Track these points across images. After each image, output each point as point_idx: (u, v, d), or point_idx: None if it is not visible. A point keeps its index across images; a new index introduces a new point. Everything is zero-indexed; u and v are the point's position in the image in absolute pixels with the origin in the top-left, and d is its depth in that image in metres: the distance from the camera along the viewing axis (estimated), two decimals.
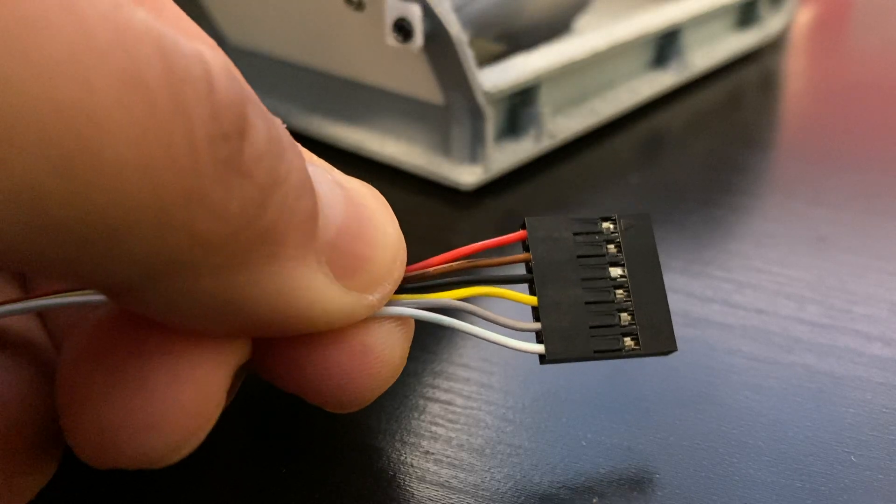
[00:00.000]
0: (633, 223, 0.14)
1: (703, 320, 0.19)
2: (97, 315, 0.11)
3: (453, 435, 0.15)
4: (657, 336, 0.14)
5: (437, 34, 0.22)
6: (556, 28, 0.31)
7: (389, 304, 0.12)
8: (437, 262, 0.13)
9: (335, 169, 0.13)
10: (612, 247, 0.14)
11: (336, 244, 0.11)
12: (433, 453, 0.15)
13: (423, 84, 0.24)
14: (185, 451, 0.11)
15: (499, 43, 0.30)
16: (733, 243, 0.22)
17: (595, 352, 0.13)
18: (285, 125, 0.10)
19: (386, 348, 0.12)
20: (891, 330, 0.19)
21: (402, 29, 0.22)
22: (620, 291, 0.14)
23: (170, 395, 0.10)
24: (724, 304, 0.19)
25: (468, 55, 0.22)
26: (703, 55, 0.34)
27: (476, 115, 0.24)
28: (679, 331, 0.18)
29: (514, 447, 0.15)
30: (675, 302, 0.19)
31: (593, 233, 0.14)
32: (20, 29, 0.07)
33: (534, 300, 0.14)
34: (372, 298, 0.12)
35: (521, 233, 0.14)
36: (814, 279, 0.21)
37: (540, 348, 0.13)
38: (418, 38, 0.22)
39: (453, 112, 0.24)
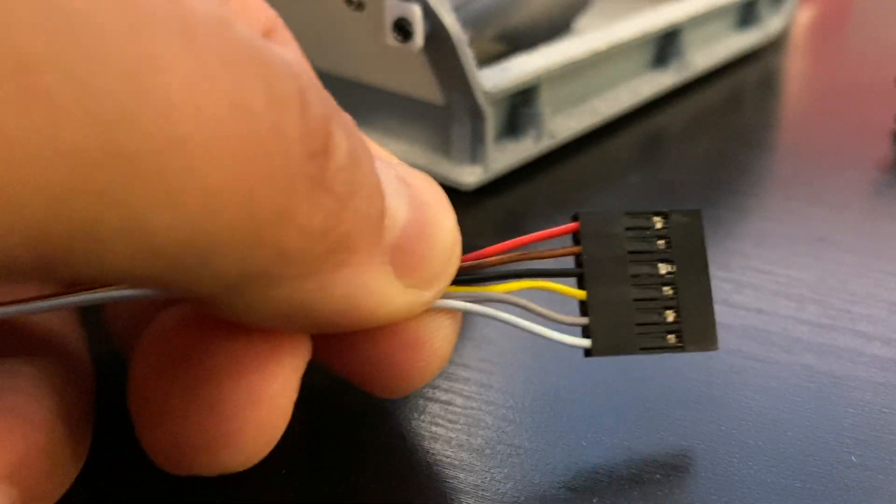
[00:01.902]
0: (685, 220, 0.14)
1: None
2: (163, 323, 0.12)
3: (453, 435, 0.15)
4: (701, 334, 0.14)
5: (437, 34, 0.22)
6: (556, 28, 0.31)
7: (442, 297, 0.13)
8: (488, 254, 0.13)
9: (395, 159, 0.13)
10: (661, 243, 0.14)
11: (399, 244, 0.11)
12: (433, 453, 0.15)
13: (423, 84, 0.24)
14: (259, 459, 0.11)
15: (499, 43, 0.30)
16: (733, 243, 0.22)
17: (640, 349, 0.14)
18: (354, 121, 0.10)
19: (437, 341, 0.13)
20: (890, 330, 0.19)
21: (402, 29, 0.22)
22: (667, 288, 0.14)
23: (244, 414, 0.11)
24: (723, 304, 0.19)
25: (468, 55, 0.22)
26: (703, 55, 0.34)
27: (476, 115, 0.24)
28: None
29: (513, 447, 0.15)
30: None
31: (644, 228, 0.14)
32: (144, 67, 0.07)
33: (582, 294, 0.14)
34: (429, 294, 0.12)
35: (572, 225, 0.14)
36: (814, 279, 0.21)
37: (586, 342, 0.13)
38: (418, 38, 0.22)
39: (453, 112, 0.24)
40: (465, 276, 0.13)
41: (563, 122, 0.28)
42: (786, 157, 0.29)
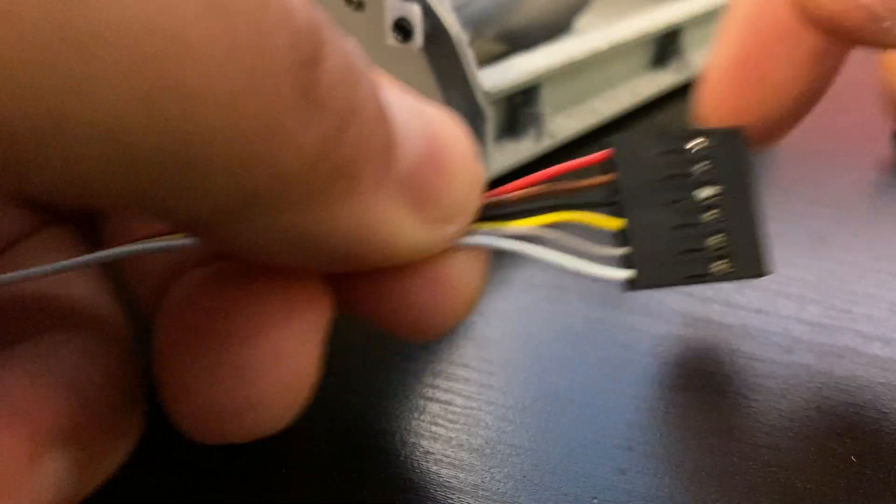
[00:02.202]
0: (727, 138, 0.13)
1: (703, 320, 0.19)
2: (183, 290, 0.11)
3: (453, 435, 0.15)
4: (750, 260, 0.13)
5: (437, 34, 0.22)
6: (556, 28, 0.31)
7: (466, 234, 0.12)
8: (515, 188, 0.13)
9: (411, 92, 0.12)
10: (702, 164, 0.13)
11: (413, 175, 0.11)
12: (433, 453, 0.15)
13: (423, 84, 0.24)
14: (286, 421, 0.11)
15: (499, 43, 0.30)
16: None
17: (685, 277, 0.13)
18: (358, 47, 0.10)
19: (463, 279, 0.12)
20: (891, 330, 0.19)
21: (402, 29, 0.22)
22: (710, 213, 0.13)
23: (266, 375, 0.10)
24: (724, 304, 0.19)
25: (468, 55, 0.22)
26: (703, 55, 0.34)
27: (476, 115, 0.24)
28: (679, 330, 0.18)
29: (514, 447, 0.15)
30: (674, 301, 0.19)
31: (683, 150, 0.13)
32: None
33: (619, 224, 0.13)
34: (450, 230, 0.11)
35: (604, 152, 0.13)
36: (814, 279, 0.21)
37: (627, 274, 0.13)
38: (418, 38, 0.22)
39: (453, 112, 0.24)
40: (491, 213, 0.12)
41: (563, 122, 0.28)
42: (786, 157, 0.29)
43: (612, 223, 0.13)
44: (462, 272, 0.12)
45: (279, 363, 0.11)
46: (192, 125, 0.07)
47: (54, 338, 0.11)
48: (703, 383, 0.17)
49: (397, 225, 0.10)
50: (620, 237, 0.13)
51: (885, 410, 0.16)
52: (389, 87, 0.11)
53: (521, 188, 0.13)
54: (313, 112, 0.08)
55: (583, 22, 0.33)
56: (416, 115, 0.11)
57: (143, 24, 0.07)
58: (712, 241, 0.13)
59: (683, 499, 0.14)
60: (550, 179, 0.13)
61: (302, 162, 0.09)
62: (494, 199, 0.12)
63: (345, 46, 0.09)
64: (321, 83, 0.09)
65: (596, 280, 0.13)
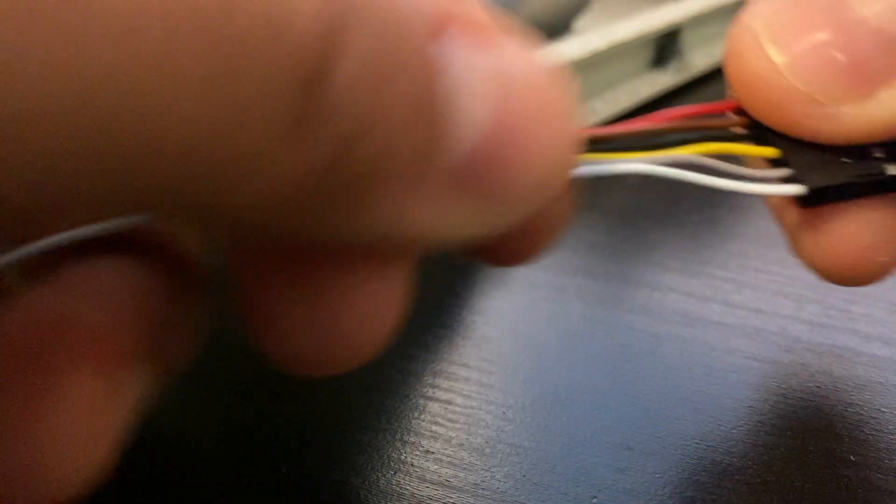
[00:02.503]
0: None
1: (701, 320, 0.19)
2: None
3: (453, 434, 0.15)
4: None
5: None
6: (555, 28, 0.31)
7: (615, 162, 0.11)
8: (661, 119, 0.12)
9: (493, 42, 0.09)
10: None
11: (474, 162, 0.09)
12: (433, 452, 0.15)
13: None
14: (379, 351, 0.11)
15: None
16: (732, 243, 0.22)
17: (862, 175, 0.12)
18: None
19: (551, 223, 0.11)
20: (890, 329, 0.19)
21: None
22: None
23: (363, 312, 0.10)
24: (723, 304, 0.19)
25: None
26: (703, 55, 0.34)
27: None
28: (678, 330, 0.18)
29: (513, 446, 0.15)
30: (673, 301, 0.19)
31: None
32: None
33: (774, 151, 0.12)
34: (527, 210, 0.09)
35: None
36: (813, 279, 0.21)
37: (800, 188, 0.12)
38: None
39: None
40: (638, 142, 0.12)
41: None
42: None
43: (769, 151, 0.12)
44: (548, 217, 0.11)
45: (369, 302, 0.10)
46: (155, 167, 0.06)
47: (108, 259, 0.11)
48: (702, 384, 0.17)
49: (453, 218, 0.09)
50: (779, 163, 0.12)
51: (884, 410, 0.16)
52: (461, 42, 0.09)
53: (665, 121, 0.12)
54: (313, 134, 0.07)
55: (583, 22, 0.33)
56: (488, 82, 0.09)
57: (87, 73, 0.06)
58: (874, 150, 0.12)
59: (683, 499, 0.14)
60: (692, 117, 0.12)
61: (295, 184, 0.07)
62: (644, 128, 0.12)
63: (383, 21, 0.07)
64: (328, 99, 0.07)
65: (767, 197, 0.12)
